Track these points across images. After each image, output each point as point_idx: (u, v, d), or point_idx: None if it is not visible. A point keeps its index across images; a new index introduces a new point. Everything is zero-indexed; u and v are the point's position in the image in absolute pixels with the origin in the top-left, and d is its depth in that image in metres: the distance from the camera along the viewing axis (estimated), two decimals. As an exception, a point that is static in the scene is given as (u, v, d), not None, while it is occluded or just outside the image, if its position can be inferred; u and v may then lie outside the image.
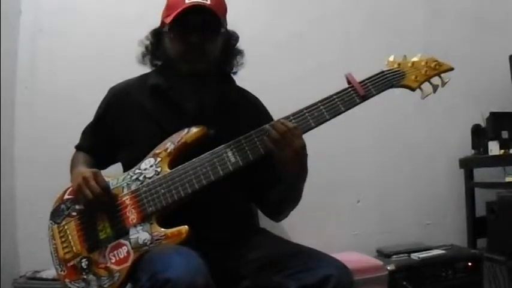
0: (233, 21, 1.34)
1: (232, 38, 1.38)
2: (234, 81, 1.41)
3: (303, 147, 1.14)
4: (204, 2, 1.23)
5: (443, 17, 2.41)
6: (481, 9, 2.46)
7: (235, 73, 1.42)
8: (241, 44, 1.42)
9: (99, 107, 1.40)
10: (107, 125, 1.36)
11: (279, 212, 1.34)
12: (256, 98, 1.44)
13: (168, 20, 1.25)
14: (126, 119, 1.32)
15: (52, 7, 1.96)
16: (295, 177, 1.20)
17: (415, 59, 1.24)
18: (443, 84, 1.23)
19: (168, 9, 1.29)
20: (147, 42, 1.37)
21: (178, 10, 1.22)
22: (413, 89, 1.23)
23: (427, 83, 1.23)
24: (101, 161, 1.36)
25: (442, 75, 1.24)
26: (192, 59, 1.26)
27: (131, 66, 1.40)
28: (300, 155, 1.14)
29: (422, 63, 1.23)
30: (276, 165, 1.16)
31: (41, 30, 1.95)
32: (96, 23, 1.98)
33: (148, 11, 1.38)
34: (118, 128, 1.33)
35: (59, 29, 1.96)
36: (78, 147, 1.44)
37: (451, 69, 1.24)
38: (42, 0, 1.97)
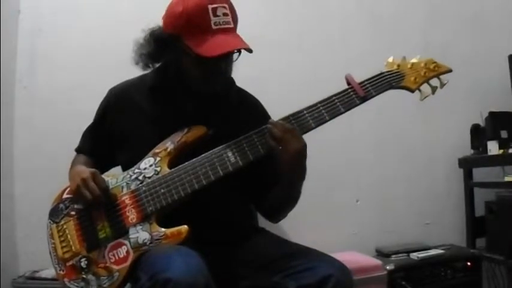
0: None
1: None
2: (233, 81, 1.41)
3: (304, 146, 1.14)
4: (230, 26, 1.17)
5: (443, 17, 2.41)
6: (480, 9, 2.46)
7: None
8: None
9: (99, 109, 1.39)
10: (106, 126, 1.36)
11: (277, 213, 1.34)
12: (255, 99, 1.43)
13: (202, 52, 1.14)
14: (126, 120, 1.31)
15: (51, 7, 1.96)
16: (295, 177, 1.20)
17: (414, 60, 1.24)
18: (442, 85, 1.23)
19: (191, 26, 1.16)
20: (149, 48, 1.25)
21: (225, 50, 1.14)
22: (412, 91, 1.23)
23: (425, 85, 1.23)
24: (101, 163, 1.34)
25: (441, 76, 1.24)
26: (217, 83, 1.24)
27: (131, 66, 1.39)
28: (301, 154, 1.15)
29: (422, 64, 1.23)
30: (276, 165, 1.16)
31: (40, 30, 1.95)
32: (96, 22, 1.98)
33: (148, 10, 1.37)
34: (117, 128, 1.32)
35: (58, 29, 1.96)
36: (78, 150, 1.43)
37: (450, 70, 1.24)
38: (41, 0, 1.97)
